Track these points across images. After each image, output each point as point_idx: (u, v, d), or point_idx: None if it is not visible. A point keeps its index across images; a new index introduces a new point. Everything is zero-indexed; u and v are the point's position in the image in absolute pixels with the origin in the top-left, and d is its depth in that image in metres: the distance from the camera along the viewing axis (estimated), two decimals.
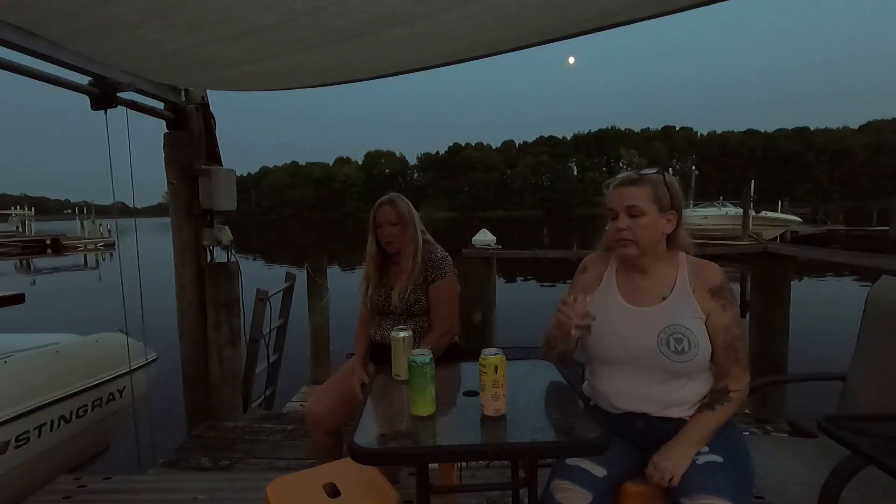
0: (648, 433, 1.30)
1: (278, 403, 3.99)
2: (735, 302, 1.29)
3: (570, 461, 1.24)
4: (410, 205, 1.96)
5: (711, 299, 1.27)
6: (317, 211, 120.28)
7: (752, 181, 18.87)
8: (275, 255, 24.66)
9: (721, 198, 25.80)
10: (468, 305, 4.48)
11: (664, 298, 1.29)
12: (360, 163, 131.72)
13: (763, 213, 21.14)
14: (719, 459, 1.19)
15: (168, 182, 2.91)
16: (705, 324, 1.26)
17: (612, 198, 1.31)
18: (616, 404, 1.33)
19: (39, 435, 2.32)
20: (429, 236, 1.98)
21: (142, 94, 2.61)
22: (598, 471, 1.21)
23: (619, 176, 1.34)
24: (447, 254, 1.97)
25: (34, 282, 16.83)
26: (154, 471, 2.53)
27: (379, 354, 1.91)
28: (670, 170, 1.36)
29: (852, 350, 1.66)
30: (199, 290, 2.98)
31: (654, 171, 1.32)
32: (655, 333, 1.25)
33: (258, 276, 12.37)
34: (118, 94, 2.37)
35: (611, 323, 1.32)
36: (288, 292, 4.04)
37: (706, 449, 1.22)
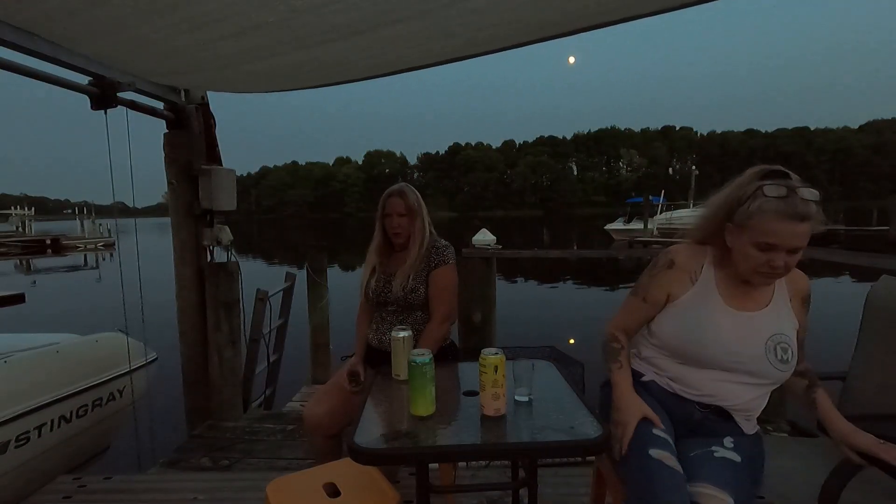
0: (698, 426, 1.27)
1: (278, 403, 3.99)
2: None
3: (657, 456, 1.14)
4: (420, 197, 1.94)
5: (801, 306, 1.28)
6: (317, 211, 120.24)
7: None
8: (275, 254, 24.65)
9: None
10: (468, 305, 4.47)
11: (766, 305, 1.25)
12: (360, 163, 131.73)
13: None
14: (737, 459, 1.19)
15: (168, 182, 2.91)
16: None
17: (776, 231, 1.11)
18: (691, 395, 1.27)
19: (39, 435, 2.32)
20: (433, 229, 1.96)
21: (142, 93, 2.61)
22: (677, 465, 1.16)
23: (780, 196, 1.10)
24: (450, 244, 1.96)
25: (34, 282, 16.82)
26: (154, 471, 2.53)
27: (376, 359, 1.89)
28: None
29: (852, 350, 1.66)
30: (199, 290, 2.98)
31: (815, 193, 1.12)
32: (763, 341, 1.21)
33: (258, 275, 12.39)
34: (118, 94, 2.37)
35: (715, 327, 1.23)
36: (288, 292, 4.04)
37: (731, 444, 1.22)
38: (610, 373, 1.32)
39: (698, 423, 1.27)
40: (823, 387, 1.28)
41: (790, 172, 1.16)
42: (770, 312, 1.24)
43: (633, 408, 1.23)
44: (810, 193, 1.11)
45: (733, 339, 1.21)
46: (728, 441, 1.24)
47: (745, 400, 1.24)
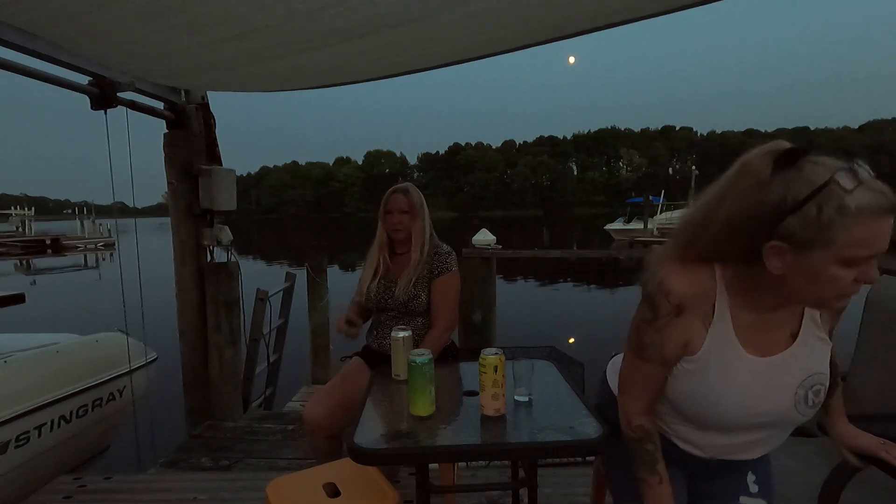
0: (717, 471, 1.13)
1: (278, 403, 3.99)
2: None
3: None
4: (423, 198, 1.93)
5: (835, 314, 1.02)
6: (317, 211, 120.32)
7: None
8: (275, 254, 24.66)
9: None
10: (468, 305, 4.48)
11: (794, 336, 0.96)
12: (360, 163, 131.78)
13: None
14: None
15: (168, 182, 2.92)
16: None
17: (878, 234, 0.77)
18: (707, 454, 1.06)
19: (39, 435, 2.32)
20: (434, 233, 1.96)
21: (142, 93, 2.61)
22: None
23: (869, 188, 0.76)
24: (452, 250, 1.95)
25: (34, 282, 16.82)
26: (154, 471, 2.53)
27: (378, 362, 1.88)
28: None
29: (852, 350, 1.66)
30: (198, 290, 2.98)
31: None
32: (793, 389, 0.95)
33: (258, 275, 12.39)
34: (118, 94, 2.37)
35: (735, 387, 0.94)
36: (288, 292, 4.04)
37: (755, 489, 1.13)
38: (646, 485, 1.03)
39: (716, 468, 1.10)
40: (839, 388, 1.16)
41: (807, 147, 0.83)
42: (800, 348, 0.96)
43: None
44: (869, 171, 0.78)
45: (758, 397, 0.95)
46: (752, 481, 1.13)
47: (767, 450, 1.07)
